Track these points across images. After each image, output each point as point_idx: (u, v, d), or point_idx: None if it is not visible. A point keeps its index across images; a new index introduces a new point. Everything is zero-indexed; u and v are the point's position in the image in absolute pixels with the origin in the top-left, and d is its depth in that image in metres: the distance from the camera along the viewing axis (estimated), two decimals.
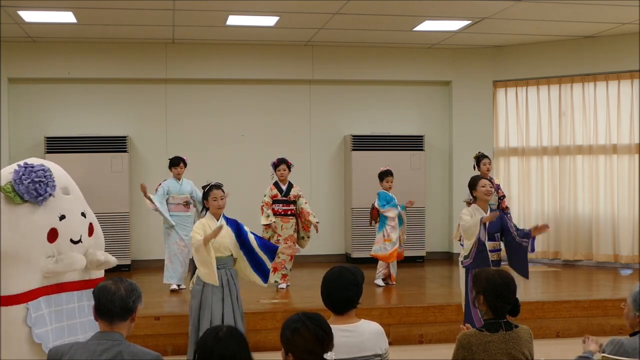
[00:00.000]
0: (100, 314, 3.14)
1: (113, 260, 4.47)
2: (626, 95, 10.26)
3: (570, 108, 10.62)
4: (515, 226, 6.32)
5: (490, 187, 6.23)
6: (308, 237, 8.60)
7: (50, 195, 4.09)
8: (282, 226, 8.37)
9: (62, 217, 4.17)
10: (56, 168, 4.38)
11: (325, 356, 2.92)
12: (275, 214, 8.39)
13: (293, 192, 8.45)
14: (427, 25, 9.49)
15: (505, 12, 8.73)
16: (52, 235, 4.10)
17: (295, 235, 8.49)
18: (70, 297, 4.24)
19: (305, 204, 8.48)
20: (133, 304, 3.14)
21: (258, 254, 6.00)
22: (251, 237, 5.99)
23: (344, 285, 3.52)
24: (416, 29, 9.64)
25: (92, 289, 4.24)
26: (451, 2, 8.39)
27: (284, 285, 8.47)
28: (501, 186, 8.94)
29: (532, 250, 6.33)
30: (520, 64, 10.90)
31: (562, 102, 10.69)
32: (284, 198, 8.42)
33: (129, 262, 10.06)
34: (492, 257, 6.15)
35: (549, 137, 10.77)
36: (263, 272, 6.06)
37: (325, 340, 2.94)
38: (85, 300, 4.30)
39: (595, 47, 10.31)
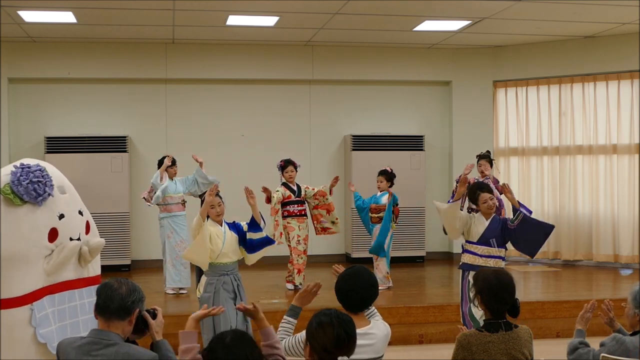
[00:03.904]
0: (99, 310, 3.14)
1: (99, 241, 4.40)
2: (626, 95, 10.26)
3: (570, 108, 10.62)
4: (510, 218, 6.21)
5: (491, 199, 6.11)
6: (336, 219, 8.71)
7: (49, 195, 4.08)
8: (299, 227, 8.39)
9: (62, 216, 4.16)
10: (50, 167, 4.36)
11: (339, 359, 2.90)
12: (290, 215, 8.41)
13: (303, 192, 8.53)
14: (427, 25, 9.49)
15: (505, 12, 8.73)
16: (53, 234, 4.09)
17: (310, 232, 8.56)
18: (71, 295, 4.23)
19: (324, 197, 8.56)
20: (132, 304, 3.13)
21: (253, 239, 5.96)
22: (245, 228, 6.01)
23: (364, 285, 3.51)
24: (416, 29, 9.64)
25: (92, 287, 4.27)
26: (451, 2, 8.38)
27: (291, 286, 8.47)
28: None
29: (530, 212, 6.29)
30: (520, 64, 10.89)
31: (562, 102, 10.69)
32: (298, 198, 8.46)
33: (128, 262, 10.06)
34: (483, 261, 5.97)
35: (549, 137, 10.77)
36: (264, 241, 6.00)
37: (346, 345, 2.91)
38: (85, 298, 4.30)
39: (595, 47, 10.31)
